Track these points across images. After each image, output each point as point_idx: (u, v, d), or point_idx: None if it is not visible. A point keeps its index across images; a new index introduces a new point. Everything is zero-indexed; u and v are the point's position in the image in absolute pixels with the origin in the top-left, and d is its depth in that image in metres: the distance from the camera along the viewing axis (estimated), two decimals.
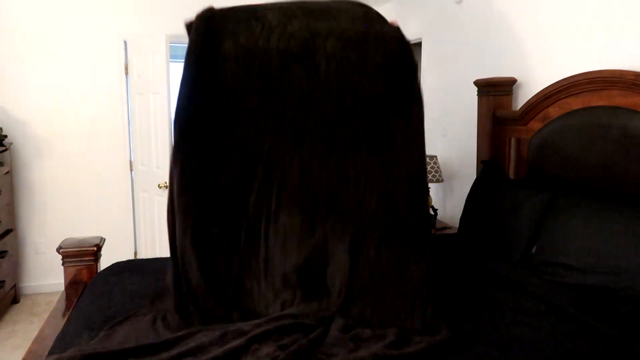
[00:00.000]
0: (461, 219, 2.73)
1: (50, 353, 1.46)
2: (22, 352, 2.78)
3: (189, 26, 1.70)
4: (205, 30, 1.65)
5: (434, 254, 2.20)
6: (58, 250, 2.22)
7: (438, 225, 3.34)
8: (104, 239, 2.39)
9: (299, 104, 1.68)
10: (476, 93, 2.97)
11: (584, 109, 2.23)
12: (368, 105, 1.69)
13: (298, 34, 1.67)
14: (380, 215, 1.65)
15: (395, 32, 1.75)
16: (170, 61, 3.77)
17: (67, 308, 1.90)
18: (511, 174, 2.76)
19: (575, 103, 2.30)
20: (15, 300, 3.67)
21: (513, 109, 2.81)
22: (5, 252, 3.39)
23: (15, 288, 3.66)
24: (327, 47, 1.68)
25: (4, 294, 3.35)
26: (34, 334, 2.62)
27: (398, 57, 1.72)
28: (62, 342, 1.51)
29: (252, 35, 1.66)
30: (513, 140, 2.74)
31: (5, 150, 3.48)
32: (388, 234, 1.64)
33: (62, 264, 2.24)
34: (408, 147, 1.68)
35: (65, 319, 1.76)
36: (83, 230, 3.84)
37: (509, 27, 2.87)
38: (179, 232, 1.65)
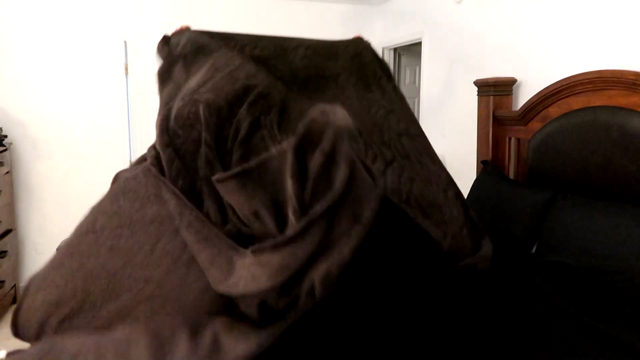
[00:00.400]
0: None
1: None
2: None
3: (165, 39, 1.81)
4: (179, 44, 1.74)
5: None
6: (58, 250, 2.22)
7: None
8: None
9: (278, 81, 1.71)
10: (476, 93, 2.97)
11: (584, 109, 2.23)
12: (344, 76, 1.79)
13: (269, 47, 1.81)
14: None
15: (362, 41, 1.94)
16: None
17: None
18: (511, 174, 2.76)
19: (575, 103, 2.29)
20: (15, 300, 3.66)
21: (513, 109, 2.81)
22: (5, 252, 3.39)
23: (15, 288, 3.65)
24: (299, 52, 1.82)
25: (4, 294, 3.35)
26: None
27: (368, 53, 1.86)
28: None
29: (227, 45, 1.77)
30: (513, 140, 2.74)
31: (5, 150, 3.48)
32: None
33: None
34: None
35: None
36: None
37: (509, 28, 2.87)
38: None
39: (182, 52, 1.66)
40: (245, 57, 1.64)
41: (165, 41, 1.82)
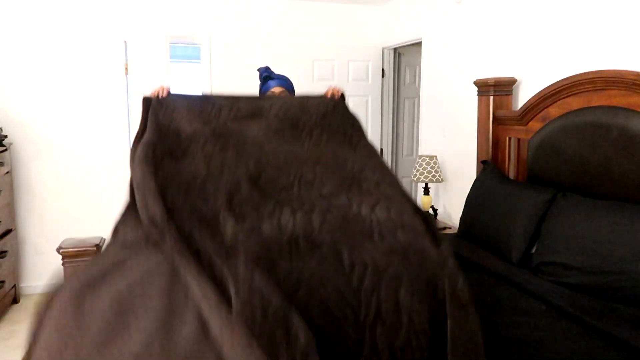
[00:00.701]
0: (461, 218, 2.73)
1: None
2: (22, 352, 2.78)
3: (147, 100, 1.92)
4: (159, 105, 1.87)
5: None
6: (58, 250, 2.23)
7: (438, 225, 3.33)
8: (104, 239, 2.39)
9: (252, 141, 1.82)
10: (476, 93, 2.97)
11: (584, 109, 2.23)
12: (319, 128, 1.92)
13: (245, 109, 1.94)
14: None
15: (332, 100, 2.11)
16: (170, 61, 3.78)
17: None
18: (511, 174, 2.76)
19: (575, 103, 2.30)
20: (15, 300, 3.67)
21: (513, 109, 2.81)
22: (5, 252, 3.39)
23: (15, 288, 3.65)
24: (272, 110, 1.95)
25: (4, 294, 3.35)
26: None
27: (337, 112, 2.03)
28: None
29: (204, 108, 1.90)
30: (513, 140, 2.74)
31: (5, 150, 3.48)
32: None
33: (62, 264, 2.25)
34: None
35: None
36: (83, 230, 3.84)
37: (509, 27, 2.87)
38: None
39: (153, 143, 1.72)
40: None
41: (146, 102, 1.92)
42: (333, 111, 2.02)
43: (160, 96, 1.92)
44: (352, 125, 2.03)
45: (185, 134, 1.78)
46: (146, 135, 1.73)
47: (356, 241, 1.29)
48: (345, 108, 2.12)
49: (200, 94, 2.09)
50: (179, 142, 1.75)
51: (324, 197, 1.48)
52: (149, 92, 1.95)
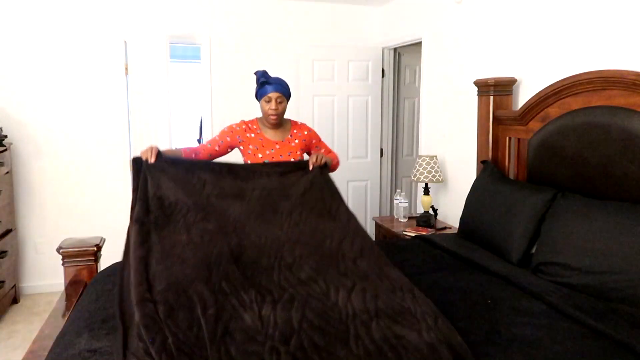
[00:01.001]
0: (461, 218, 2.73)
1: (51, 353, 1.46)
2: (22, 352, 2.78)
3: (136, 161, 2.07)
4: (148, 171, 2.03)
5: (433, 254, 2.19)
6: (58, 250, 2.22)
7: (438, 225, 3.34)
8: (104, 239, 2.39)
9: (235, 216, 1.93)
10: (476, 93, 2.97)
11: (584, 109, 2.23)
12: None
13: (228, 188, 2.09)
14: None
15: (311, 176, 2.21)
16: (170, 61, 3.78)
17: (67, 308, 1.90)
18: (511, 174, 2.76)
19: (575, 103, 2.30)
20: (15, 300, 3.67)
21: (513, 109, 2.81)
22: (5, 252, 3.39)
23: (15, 288, 3.65)
24: (254, 193, 2.10)
25: (4, 294, 3.35)
26: (34, 334, 2.62)
27: (316, 187, 2.14)
28: (62, 342, 1.51)
29: (189, 181, 2.06)
30: (513, 140, 2.74)
31: (5, 150, 3.48)
32: None
33: (62, 264, 2.24)
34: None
35: (65, 319, 1.76)
36: (83, 230, 3.84)
37: (509, 27, 2.87)
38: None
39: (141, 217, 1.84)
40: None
41: (135, 163, 2.07)
42: (311, 188, 2.14)
43: (149, 159, 2.06)
44: (331, 195, 2.14)
45: (168, 202, 1.91)
46: (136, 210, 1.88)
47: (332, 347, 1.29)
48: (325, 180, 2.22)
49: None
50: (163, 210, 1.87)
51: (302, 282, 1.54)
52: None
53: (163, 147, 3.60)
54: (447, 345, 1.29)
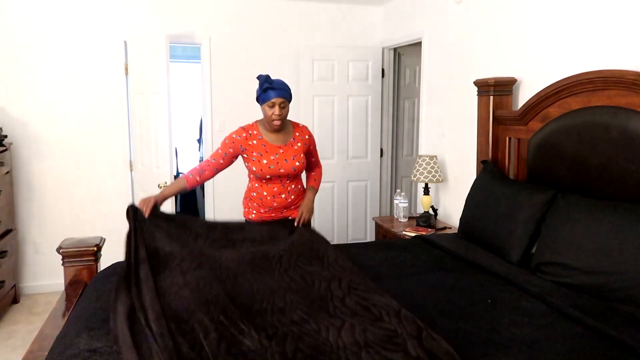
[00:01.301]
0: (461, 218, 2.73)
1: (51, 353, 1.46)
2: (22, 352, 2.78)
3: (131, 208, 2.17)
4: (144, 224, 2.13)
5: (434, 254, 2.19)
6: (58, 250, 2.22)
7: (438, 225, 3.34)
8: (104, 239, 2.39)
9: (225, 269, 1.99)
10: (476, 93, 2.97)
11: (584, 109, 2.23)
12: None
13: (219, 241, 2.25)
14: None
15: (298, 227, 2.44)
16: (170, 61, 3.77)
17: (67, 308, 1.90)
18: (511, 174, 2.76)
19: (575, 103, 2.30)
20: (15, 300, 3.67)
21: (513, 109, 2.81)
22: (5, 252, 3.39)
23: (15, 288, 3.65)
24: (245, 243, 2.25)
25: (4, 294, 3.35)
26: (34, 334, 2.62)
27: (304, 237, 2.29)
28: (62, 342, 1.51)
29: (182, 234, 2.19)
30: (513, 140, 2.74)
31: (5, 150, 3.48)
32: None
33: (62, 264, 2.24)
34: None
35: (65, 319, 1.76)
36: (83, 230, 3.84)
37: (509, 27, 2.87)
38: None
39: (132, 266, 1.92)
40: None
41: (132, 210, 2.15)
42: (300, 237, 2.27)
43: (144, 213, 2.16)
44: (317, 242, 2.26)
45: (163, 252, 2.01)
46: (132, 254, 1.97)
47: None
48: (311, 231, 2.41)
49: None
50: (157, 259, 1.97)
51: (295, 323, 1.59)
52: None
53: (163, 148, 3.63)
54: (431, 358, 1.33)
